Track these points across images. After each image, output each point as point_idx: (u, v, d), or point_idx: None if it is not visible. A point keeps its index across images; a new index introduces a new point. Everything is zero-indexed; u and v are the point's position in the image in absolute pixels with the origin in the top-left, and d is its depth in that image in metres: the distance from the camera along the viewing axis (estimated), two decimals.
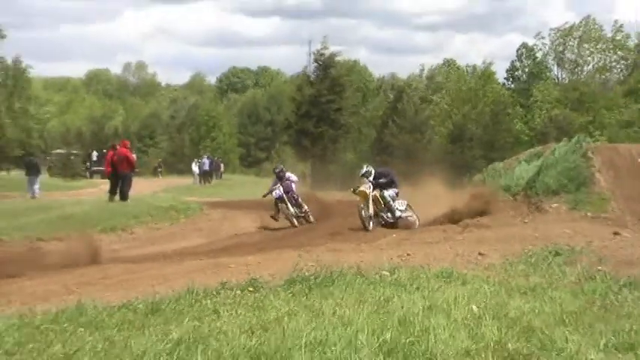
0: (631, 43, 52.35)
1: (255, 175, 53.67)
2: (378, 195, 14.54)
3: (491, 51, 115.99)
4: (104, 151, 33.44)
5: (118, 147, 19.93)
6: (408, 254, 9.28)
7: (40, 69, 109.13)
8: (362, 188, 14.63)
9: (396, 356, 4.32)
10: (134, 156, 20.68)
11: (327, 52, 38.65)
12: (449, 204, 14.77)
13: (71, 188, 33.72)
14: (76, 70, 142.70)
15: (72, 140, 59.00)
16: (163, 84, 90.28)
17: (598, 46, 51.86)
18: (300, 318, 5.22)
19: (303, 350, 4.33)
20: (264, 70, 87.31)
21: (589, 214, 13.67)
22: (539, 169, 15.72)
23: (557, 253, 8.69)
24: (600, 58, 52.09)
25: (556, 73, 54.89)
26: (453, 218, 14.11)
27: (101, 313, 5.63)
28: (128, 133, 55.05)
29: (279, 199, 16.17)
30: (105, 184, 22.66)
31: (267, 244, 13.02)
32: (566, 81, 53.26)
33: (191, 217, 17.94)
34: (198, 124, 62.49)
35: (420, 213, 15.03)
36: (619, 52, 52.32)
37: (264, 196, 16.78)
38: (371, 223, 14.26)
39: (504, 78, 55.00)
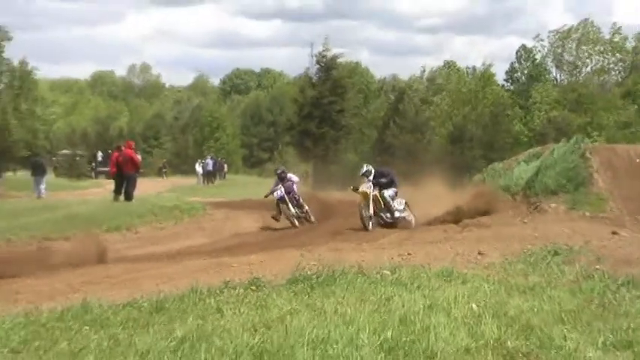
0: (629, 46, 52.45)
1: (257, 175, 53.57)
2: (377, 195, 14.58)
3: (491, 53, 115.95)
4: (109, 151, 33.48)
5: (123, 148, 20.07)
6: (408, 253, 9.33)
7: (46, 71, 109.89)
8: (363, 188, 14.65)
9: (396, 354, 4.36)
10: (139, 157, 20.77)
11: (329, 54, 38.53)
12: (449, 204, 14.79)
13: (77, 188, 33.77)
14: (82, 71, 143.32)
15: (77, 141, 59.15)
16: (167, 85, 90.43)
17: (596, 48, 51.81)
18: (303, 316, 5.26)
19: (305, 348, 4.38)
20: (266, 72, 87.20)
21: (587, 213, 13.71)
22: (538, 170, 15.77)
23: (556, 253, 8.72)
24: (598, 60, 52.08)
25: (555, 74, 55.02)
26: (457, 216, 14.15)
27: (106, 311, 5.70)
28: (133, 134, 55.06)
29: (281, 199, 16.23)
30: (110, 184, 22.73)
31: (270, 243, 13.05)
32: (565, 82, 53.23)
33: (194, 217, 18.02)
34: (202, 125, 62.44)
35: (420, 212, 15.06)
36: (617, 54, 52.32)
37: (266, 196, 16.83)
38: (371, 223, 14.32)
39: (504, 79, 54.97)
